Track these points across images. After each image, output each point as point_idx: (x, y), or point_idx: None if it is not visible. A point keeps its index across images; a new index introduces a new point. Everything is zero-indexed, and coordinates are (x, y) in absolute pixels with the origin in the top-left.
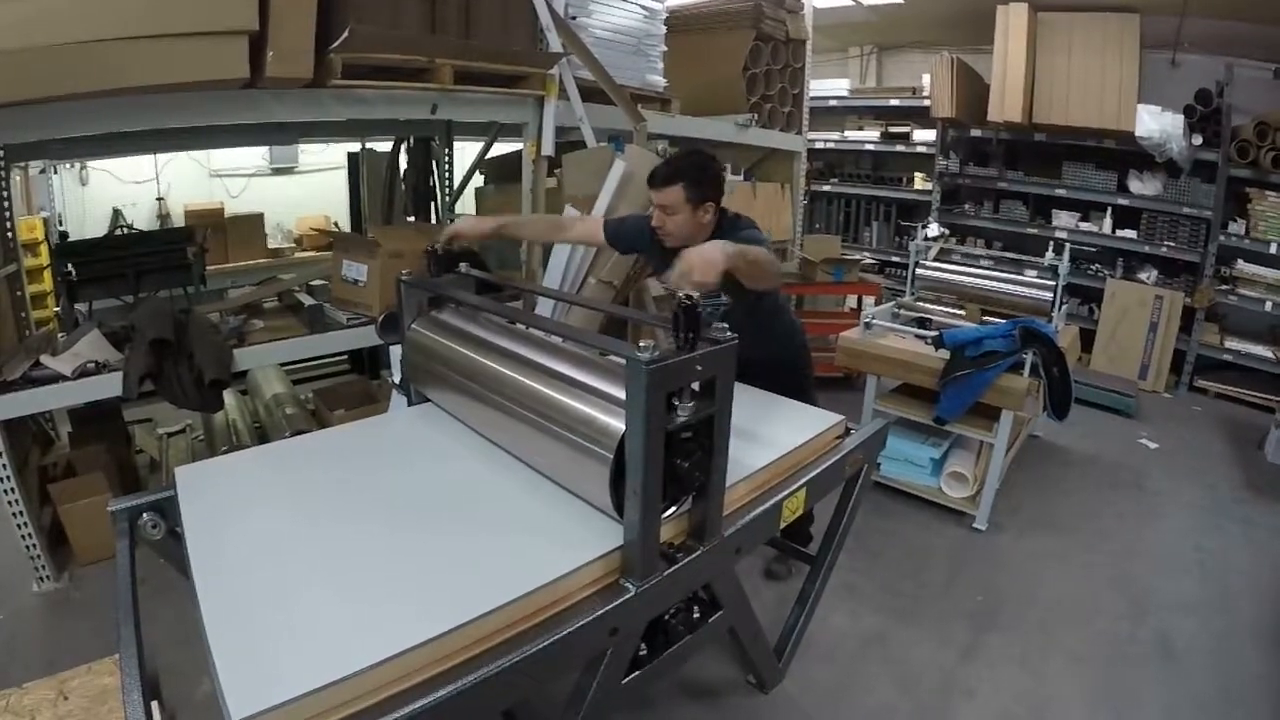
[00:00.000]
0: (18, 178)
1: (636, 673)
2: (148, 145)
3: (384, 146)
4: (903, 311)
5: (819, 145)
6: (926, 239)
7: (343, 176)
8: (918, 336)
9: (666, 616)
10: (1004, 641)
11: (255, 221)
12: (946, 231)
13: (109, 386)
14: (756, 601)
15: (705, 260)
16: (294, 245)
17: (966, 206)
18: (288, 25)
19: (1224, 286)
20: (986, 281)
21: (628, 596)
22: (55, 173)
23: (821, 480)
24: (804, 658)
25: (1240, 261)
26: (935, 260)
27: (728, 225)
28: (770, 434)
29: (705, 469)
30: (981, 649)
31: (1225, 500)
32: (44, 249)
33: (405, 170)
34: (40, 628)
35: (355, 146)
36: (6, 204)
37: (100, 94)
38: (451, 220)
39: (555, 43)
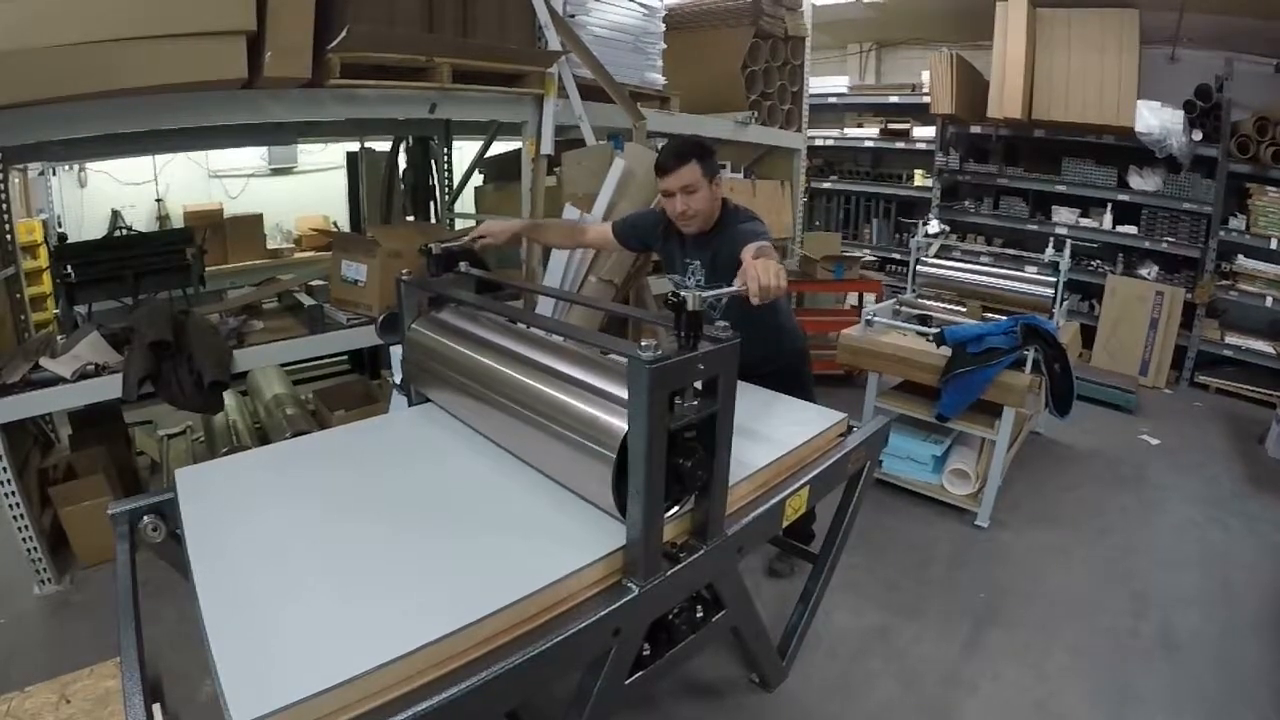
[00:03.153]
0: (16, 180)
1: (640, 673)
2: (146, 146)
3: (383, 146)
4: (903, 309)
5: (819, 142)
6: (927, 236)
7: (341, 176)
8: (919, 334)
9: (670, 616)
10: (1006, 637)
11: (254, 222)
12: (947, 228)
13: (109, 388)
14: (759, 600)
15: (773, 288)
16: (293, 245)
17: (966, 203)
18: (285, 25)
19: (1224, 282)
20: (987, 278)
21: (631, 596)
22: (54, 175)
23: (824, 478)
24: (807, 655)
25: (1240, 257)
26: (936, 257)
27: (729, 216)
28: (772, 432)
29: (708, 468)
30: (984, 645)
31: (1227, 495)
32: (43, 251)
33: (404, 170)
34: (41, 631)
35: (354, 146)
36: (5, 206)
37: (98, 95)
38: (450, 221)
39: (554, 41)
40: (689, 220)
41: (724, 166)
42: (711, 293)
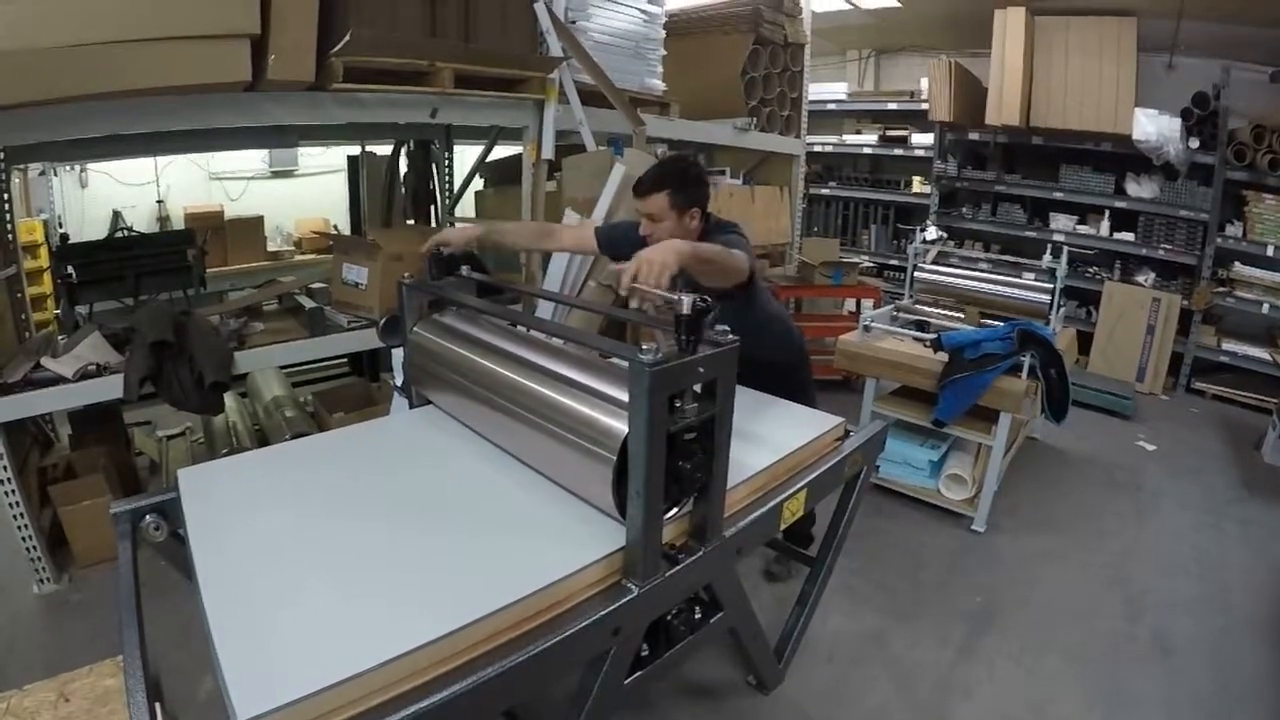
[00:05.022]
0: (17, 180)
1: (639, 673)
2: (148, 147)
3: (384, 149)
4: (901, 314)
5: (817, 148)
6: (925, 242)
7: (342, 179)
8: (916, 339)
9: (668, 617)
10: (1002, 641)
11: (255, 224)
12: (945, 234)
13: (109, 389)
14: (756, 602)
15: (656, 264)
16: (294, 248)
17: (964, 209)
18: (289, 28)
19: (1221, 289)
20: (984, 284)
21: (630, 597)
22: (55, 175)
23: (821, 482)
24: (803, 658)
25: (1237, 264)
26: (933, 263)
27: (711, 230)
28: (771, 436)
29: (707, 470)
30: (980, 649)
31: (1222, 500)
32: (43, 251)
33: (405, 173)
34: (40, 630)
35: (355, 149)
36: (7, 206)
37: (101, 96)
38: (451, 224)
39: (555, 46)
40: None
41: (717, 180)
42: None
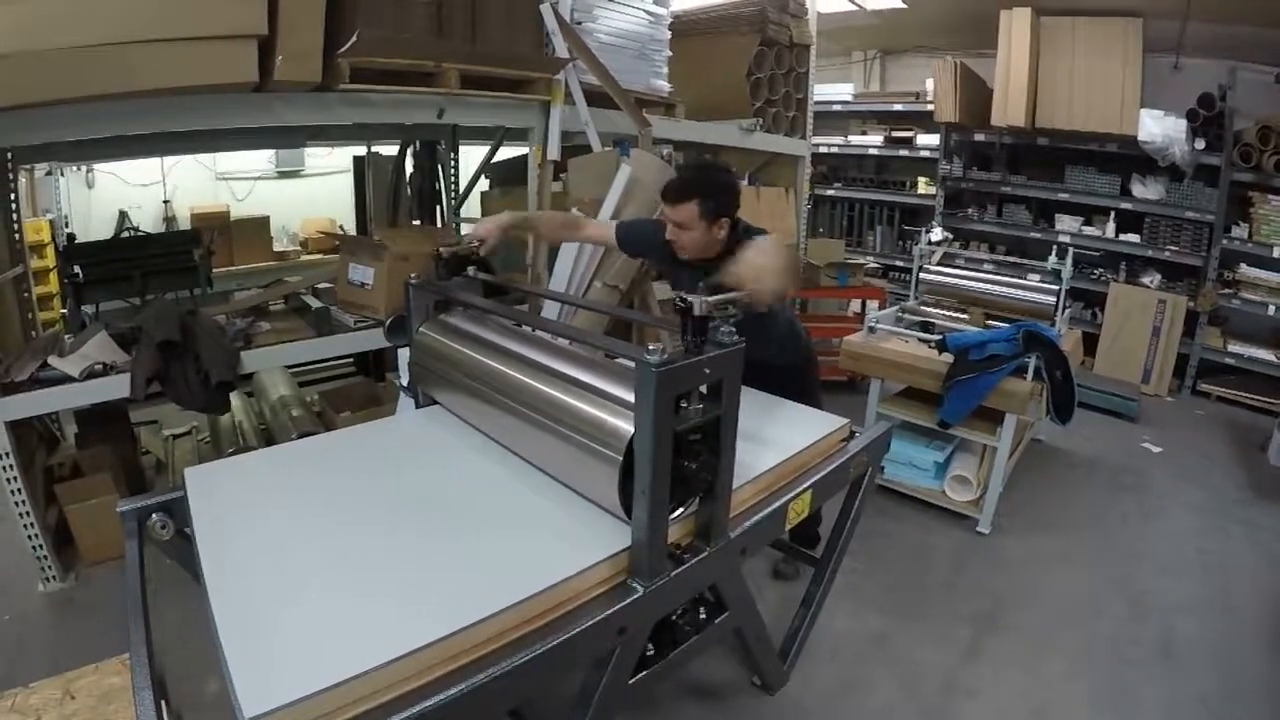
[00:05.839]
0: (24, 180)
1: (644, 673)
2: (156, 148)
3: (390, 150)
4: (906, 315)
5: (823, 149)
6: (930, 243)
7: (348, 180)
8: (921, 340)
9: (673, 617)
10: (1006, 642)
11: (261, 224)
12: (950, 235)
13: (116, 388)
14: (761, 603)
15: (767, 292)
16: (300, 248)
17: (970, 210)
18: (297, 29)
19: (1227, 290)
20: (990, 285)
21: (635, 597)
22: (61, 175)
23: (827, 483)
24: (807, 658)
25: (1243, 265)
26: (939, 264)
27: (741, 238)
28: (776, 436)
29: (712, 470)
30: (984, 650)
31: (1227, 502)
32: (50, 251)
33: (411, 174)
34: (45, 627)
35: (361, 150)
36: (14, 206)
37: (108, 97)
38: (457, 224)
39: (561, 47)
40: (679, 250)
41: (741, 183)
42: (718, 297)
